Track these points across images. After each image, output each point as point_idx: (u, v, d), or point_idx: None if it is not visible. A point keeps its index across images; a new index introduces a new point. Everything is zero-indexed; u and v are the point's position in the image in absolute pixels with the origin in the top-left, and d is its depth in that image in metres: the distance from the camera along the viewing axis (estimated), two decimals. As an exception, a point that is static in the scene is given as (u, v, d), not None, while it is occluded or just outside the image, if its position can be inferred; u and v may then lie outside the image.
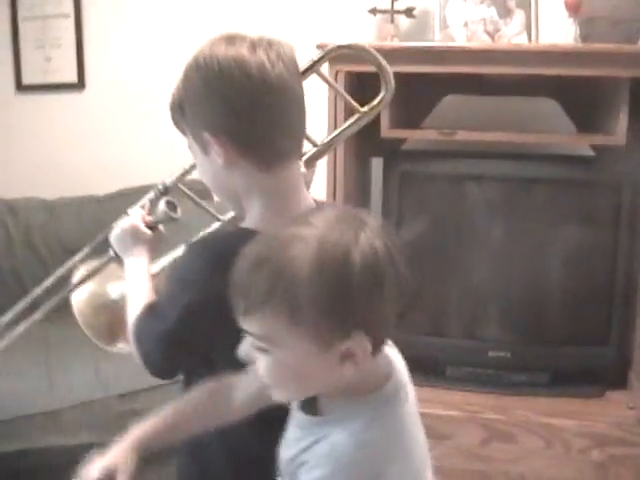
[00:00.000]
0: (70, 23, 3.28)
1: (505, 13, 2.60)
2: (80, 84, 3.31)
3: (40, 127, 3.37)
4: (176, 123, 1.29)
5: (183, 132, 1.29)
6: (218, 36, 1.23)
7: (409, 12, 2.71)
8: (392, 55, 2.40)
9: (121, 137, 3.25)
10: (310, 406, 1.08)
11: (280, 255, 0.94)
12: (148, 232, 1.44)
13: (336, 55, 1.66)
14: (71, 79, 3.32)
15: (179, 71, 1.26)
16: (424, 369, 2.50)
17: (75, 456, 2.13)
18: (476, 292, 2.56)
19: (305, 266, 0.92)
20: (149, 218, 1.47)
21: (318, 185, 2.65)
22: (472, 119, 2.66)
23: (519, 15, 2.59)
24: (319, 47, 2.38)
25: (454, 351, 2.56)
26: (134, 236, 1.42)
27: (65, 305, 2.76)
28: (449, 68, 2.36)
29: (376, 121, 2.44)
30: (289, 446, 1.09)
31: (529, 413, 2.37)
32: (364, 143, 2.58)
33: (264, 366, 1.00)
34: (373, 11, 2.72)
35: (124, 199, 2.90)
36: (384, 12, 2.71)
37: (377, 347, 1.00)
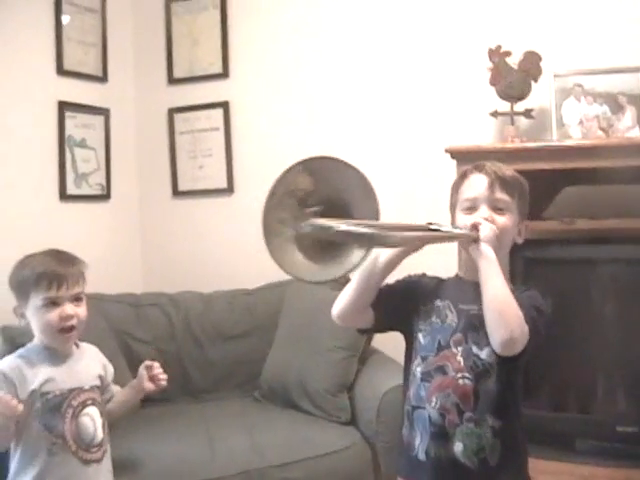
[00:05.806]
0: (220, 135, 3.71)
1: (617, 109, 2.83)
2: (229, 189, 3.70)
3: (194, 228, 3.76)
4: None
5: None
6: None
7: (528, 113, 2.93)
8: (514, 155, 2.64)
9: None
10: None
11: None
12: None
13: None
14: (221, 185, 3.72)
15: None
16: (553, 444, 2.63)
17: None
18: (602, 369, 2.67)
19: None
20: None
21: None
22: (589, 207, 2.77)
23: (630, 111, 2.80)
24: (447, 151, 2.67)
25: (582, 426, 2.66)
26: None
27: (216, 389, 3.03)
28: (567, 164, 2.57)
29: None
30: None
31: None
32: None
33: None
34: (494, 114, 2.97)
35: (270, 291, 3.23)
36: (504, 114, 2.95)
37: None
